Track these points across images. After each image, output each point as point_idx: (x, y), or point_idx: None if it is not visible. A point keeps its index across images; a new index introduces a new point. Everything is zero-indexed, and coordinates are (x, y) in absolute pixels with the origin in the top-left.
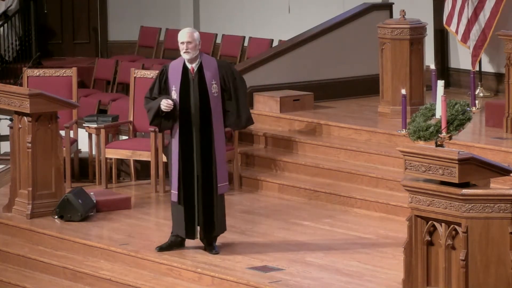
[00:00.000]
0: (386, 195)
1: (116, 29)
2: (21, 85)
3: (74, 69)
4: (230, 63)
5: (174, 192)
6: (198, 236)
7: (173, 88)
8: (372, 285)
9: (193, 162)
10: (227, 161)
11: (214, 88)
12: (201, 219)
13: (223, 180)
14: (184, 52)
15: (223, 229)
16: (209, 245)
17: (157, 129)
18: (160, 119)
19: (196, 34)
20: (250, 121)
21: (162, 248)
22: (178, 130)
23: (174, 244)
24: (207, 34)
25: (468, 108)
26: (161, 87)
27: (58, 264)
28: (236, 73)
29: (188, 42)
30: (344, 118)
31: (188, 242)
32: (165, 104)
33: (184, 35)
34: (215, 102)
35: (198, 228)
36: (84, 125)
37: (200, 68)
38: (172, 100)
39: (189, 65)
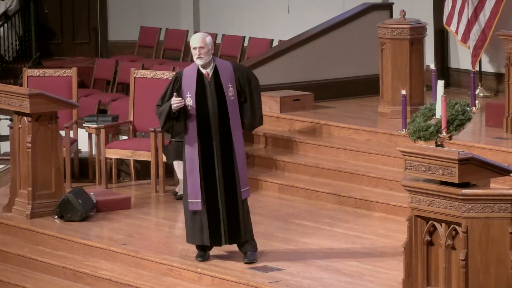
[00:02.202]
0: (386, 195)
1: (116, 29)
2: (21, 85)
3: (74, 69)
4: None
5: (196, 201)
6: (223, 243)
7: (188, 95)
8: (372, 285)
9: (214, 168)
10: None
11: (230, 91)
12: (225, 226)
13: (245, 184)
14: (197, 58)
15: (251, 234)
16: (245, 253)
17: (157, 129)
18: (172, 121)
19: (209, 39)
20: (262, 120)
21: (203, 256)
22: (194, 137)
23: (209, 249)
24: None
25: (468, 108)
26: (173, 94)
27: (58, 264)
28: (252, 75)
29: (201, 47)
30: (344, 118)
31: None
32: (174, 102)
33: (196, 40)
34: (232, 105)
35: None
36: (84, 125)
37: (216, 72)
38: (180, 96)
39: (203, 70)
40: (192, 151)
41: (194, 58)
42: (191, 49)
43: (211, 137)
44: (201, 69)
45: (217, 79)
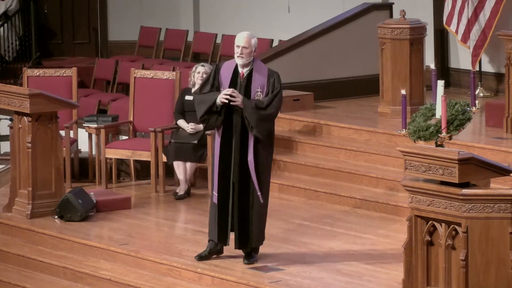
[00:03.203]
0: (386, 195)
1: (116, 29)
2: (21, 85)
3: (74, 69)
4: (278, 73)
5: (215, 194)
6: (228, 242)
7: (222, 89)
8: (372, 285)
9: (230, 168)
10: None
11: (258, 96)
12: (236, 228)
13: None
14: (238, 57)
15: (261, 240)
16: (247, 255)
17: (157, 129)
18: (210, 115)
19: (254, 41)
20: (261, 127)
21: (201, 257)
22: (220, 133)
23: (213, 252)
24: (207, 34)
25: (468, 108)
26: (214, 84)
27: (58, 264)
28: (279, 85)
29: (244, 47)
30: (344, 118)
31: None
32: (225, 94)
33: (240, 39)
34: None
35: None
36: (84, 125)
37: (250, 74)
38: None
39: (240, 69)
40: (217, 146)
41: (235, 56)
42: (235, 46)
43: (232, 137)
44: (239, 68)
45: (249, 81)
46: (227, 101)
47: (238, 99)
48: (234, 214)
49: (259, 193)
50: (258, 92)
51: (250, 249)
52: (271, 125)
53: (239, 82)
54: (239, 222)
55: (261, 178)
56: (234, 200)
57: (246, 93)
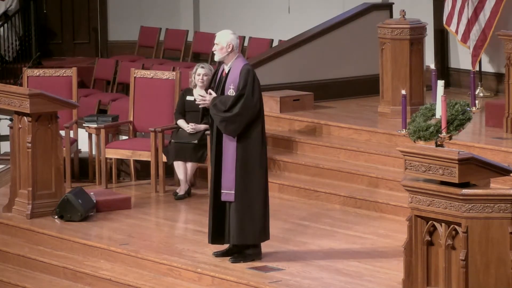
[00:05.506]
0: (386, 195)
1: (116, 29)
2: (21, 85)
3: (74, 69)
4: (249, 70)
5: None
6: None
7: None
8: (372, 285)
9: (212, 166)
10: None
11: (230, 93)
12: (210, 224)
13: (227, 187)
14: (214, 53)
15: (243, 239)
16: (231, 253)
17: (157, 129)
18: (206, 117)
19: (226, 38)
20: (222, 121)
21: (217, 254)
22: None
23: (229, 252)
24: (207, 34)
25: (468, 108)
26: (210, 85)
27: (58, 264)
28: (244, 83)
29: (216, 44)
30: (344, 118)
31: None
32: (199, 97)
33: (216, 36)
34: None
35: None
36: (84, 125)
37: (229, 71)
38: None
39: (224, 67)
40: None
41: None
42: None
43: (213, 134)
44: (224, 66)
45: (226, 78)
46: (200, 104)
47: (206, 101)
48: (209, 211)
49: (224, 191)
50: (231, 89)
51: (223, 244)
52: (239, 126)
53: (222, 79)
54: (214, 219)
55: (229, 176)
56: (211, 198)
57: (222, 90)
